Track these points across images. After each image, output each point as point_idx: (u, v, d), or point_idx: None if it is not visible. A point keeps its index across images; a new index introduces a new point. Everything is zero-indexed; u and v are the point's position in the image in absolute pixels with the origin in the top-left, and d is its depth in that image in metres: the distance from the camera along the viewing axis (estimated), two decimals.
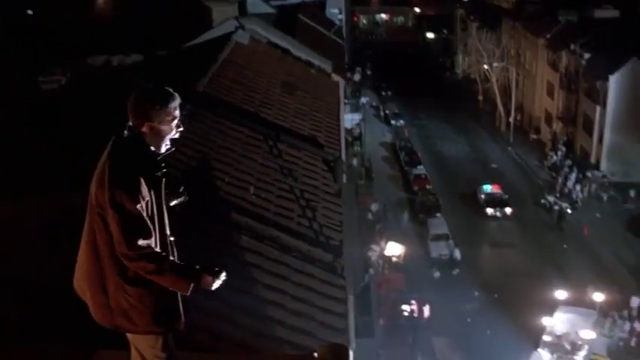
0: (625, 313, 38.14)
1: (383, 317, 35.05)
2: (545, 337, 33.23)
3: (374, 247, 40.92)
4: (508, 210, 51.31)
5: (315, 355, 6.52)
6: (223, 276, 5.07)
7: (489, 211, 51.34)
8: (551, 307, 36.00)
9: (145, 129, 5.12)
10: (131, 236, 4.88)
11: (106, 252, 5.06)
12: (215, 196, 12.72)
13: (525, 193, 55.91)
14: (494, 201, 52.20)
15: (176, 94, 5.21)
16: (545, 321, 34.46)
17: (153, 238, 4.98)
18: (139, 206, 4.92)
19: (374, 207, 48.01)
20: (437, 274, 43.03)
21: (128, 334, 5.46)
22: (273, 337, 9.62)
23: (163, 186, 5.21)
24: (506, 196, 52.63)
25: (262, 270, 11.35)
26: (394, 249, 40.24)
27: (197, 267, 5.06)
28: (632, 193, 52.33)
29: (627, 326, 37.12)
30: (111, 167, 4.99)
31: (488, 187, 53.68)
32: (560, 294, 37.83)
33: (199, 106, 15.24)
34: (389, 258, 40.14)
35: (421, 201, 52.24)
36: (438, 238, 46.05)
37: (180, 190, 5.69)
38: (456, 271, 43.74)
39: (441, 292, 39.86)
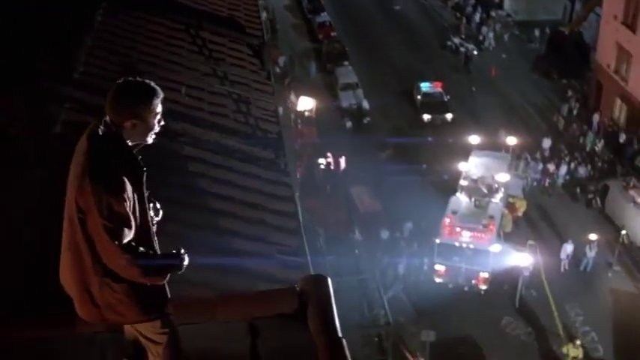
0: (537, 154, 39.73)
1: (299, 171, 35.31)
2: (462, 182, 34.21)
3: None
4: (449, 116, 45.01)
5: (297, 287, 6.65)
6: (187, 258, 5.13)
7: (426, 117, 44.94)
8: (465, 153, 36.85)
9: (127, 124, 4.93)
10: (120, 244, 4.79)
11: (87, 254, 4.93)
12: None
13: (430, 36, 55.97)
14: (432, 104, 45.45)
15: (158, 88, 5.03)
16: (461, 166, 35.33)
17: (135, 238, 4.92)
18: (127, 207, 4.80)
19: (281, 60, 47.29)
20: (349, 124, 43.46)
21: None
22: (232, 249, 9.80)
23: (145, 181, 5.09)
24: (448, 97, 46.13)
25: (208, 179, 11.25)
26: (305, 103, 40.04)
27: (174, 254, 5.11)
28: (536, 32, 53.25)
29: (539, 167, 38.76)
30: (92, 169, 4.78)
31: (426, 85, 46.73)
32: (474, 139, 38.79)
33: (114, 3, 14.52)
34: (301, 113, 40.00)
35: (327, 50, 51.70)
36: (347, 87, 46.12)
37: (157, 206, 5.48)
38: (366, 120, 44.16)
39: (353, 141, 40.32)
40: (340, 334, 6.19)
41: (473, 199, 33.18)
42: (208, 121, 12.98)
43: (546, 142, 40.88)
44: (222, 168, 11.70)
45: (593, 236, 32.93)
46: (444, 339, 27.79)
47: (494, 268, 31.38)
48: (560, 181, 38.85)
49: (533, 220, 36.35)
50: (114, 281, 4.93)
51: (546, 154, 40.49)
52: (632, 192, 34.95)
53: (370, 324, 24.78)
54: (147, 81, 5.01)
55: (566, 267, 33.17)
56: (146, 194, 5.11)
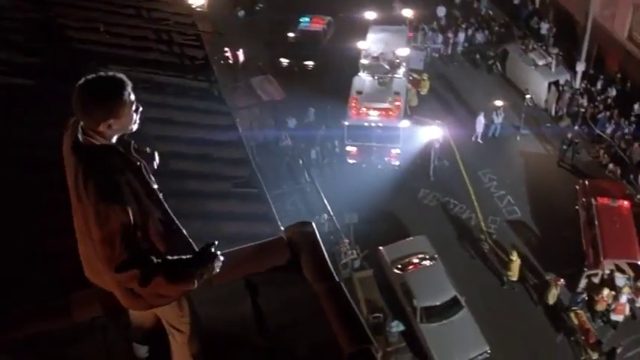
0: (434, 24, 40.20)
1: None
2: (363, 60, 34.44)
3: None
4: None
5: (284, 237, 6.87)
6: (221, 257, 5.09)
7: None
8: (363, 30, 36.92)
9: (102, 128, 4.77)
10: (115, 258, 4.70)
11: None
12: (67, 49, 11.67)
13: None
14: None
15: (125, 78, 4.80)
16: (361, 44, 35.44)
17: (139, 249, 4.82)
18: (130, 215, 4.71)
19: None
20: (241, 13, 42.73)
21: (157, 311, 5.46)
22: (187, 192, 9.68)
23: (145, 170, 5.02)
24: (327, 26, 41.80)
25: (145, 121, 10.91)
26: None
27: (193, 258, 5.01)
28: None
29: (440, 38, 39.31)
30: (86, 182, 4.69)
31: (306, 21, 41.74)
32: (369, 14, 38.73)
33: None
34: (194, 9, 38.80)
35: None
36: None
37: (149, 151, 5.41)
38: (259, 7, 43.52)
39: (248, 30, 39.74)
40: (337, 279, 6.53)
41: (376, 77, 33.53)
42: (133, 58, 12.52)
43: (441, 11, 41.39)
44: (157, 107, 11.31)
45: (498, 102, 34.18)
46: (367, 218, 28.58)
47: (405, 144, 32.15)
48: (460, 48, 39.64)
49: (438, 91, 37.13)
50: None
51: (442, 22, 41.03)
52: (531, 55, 36.18)
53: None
54: (109, 74, 4.77)
55: (479, 139, 34.41)
56: (154, 186, 5.06)
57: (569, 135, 33.49)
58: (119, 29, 13.11)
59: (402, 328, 25.11)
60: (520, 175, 32.86)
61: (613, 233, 27.83)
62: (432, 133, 32.11)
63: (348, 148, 32.27)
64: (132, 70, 11.82)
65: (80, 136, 4.75)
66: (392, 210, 30.24)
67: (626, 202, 29.43)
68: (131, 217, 4.71)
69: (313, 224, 7.05)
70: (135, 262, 4.72)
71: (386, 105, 32.04)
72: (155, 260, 4.83)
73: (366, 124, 31.82)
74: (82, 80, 4.69)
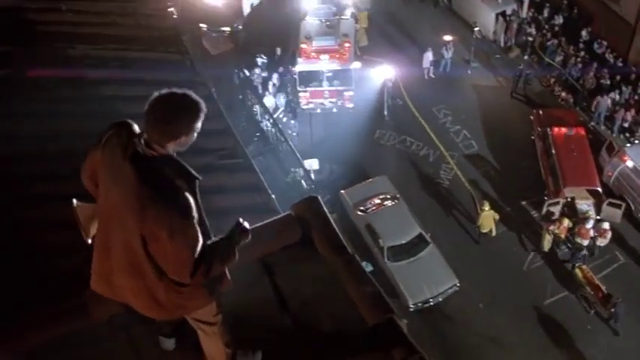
0: None
1: None
2: (310, 5, 34.46)
3: None
4: None
5: (292, 213, 7.05)
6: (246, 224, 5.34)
7: None
8: None
9: (171, 144, 4.95)
10: (192, 263, 4.91)
11: (150, 271, 5.09)
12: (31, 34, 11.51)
13: None
14: None
15: (199, 100, 4.97)
16: None
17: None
18: (196, 225, 4.89)
19: None
20: None
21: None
22: None
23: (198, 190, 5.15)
24: None
25: (120, 99, 10.96)
26: None
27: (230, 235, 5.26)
28: None
29: None
30: (153, 196, 4.80)
31: None
32: None
33: None
34: None
35: None
36: None
37: None
38: None
39: None
40: (351, 251, 6.80)
41: (323, 21, 33.48)
42: (100, 34, 12.38)
43: None
44: (130, 84, 11.28)
45: (447, 37, 34.47)
46: (326, 163, 28.96)
47: (357, 85, 32.34)
48: None
49: (386, 29, 37.21)
50: (180, 286, 5.15)
51: None
52: None
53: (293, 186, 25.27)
54: (186, 92, 4.93)
55: (431, 74, 34.75)
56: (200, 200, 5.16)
57: (520, 66, 34.06)
58: (82, 6, 12.91)
59: (370, 268, 25.60)
60: (474, 108, 33.44)
61: (571, 161, 28.70)
62: (383, 72, 32.29)
63: (301, 94, 32.32)
64: (101, 48, 11.74)
65: (142, 149, 4.86)
66: (350, 153, 30.52)
67: (581, 130, 30.32)
68: (196, 223, 4.91)
69: (319, 198, 7.27)
70: (199, 260, 4.94)
71: (335, 47, 32.08)
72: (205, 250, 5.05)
73: (317, 68, 31.84)
74: (164, 94, 4.83)
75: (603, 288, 25.82)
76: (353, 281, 6.66)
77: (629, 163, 29.05)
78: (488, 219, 27.47)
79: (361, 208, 27.33)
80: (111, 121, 5.09)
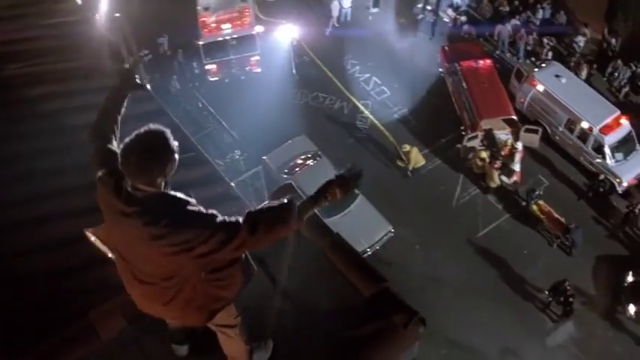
0: None
1: None
2: None
3: None
4: None
5: None
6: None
7: None
8: None
9: (159, 180, 5.20)
10: (239, 236, 5.23)
11: (189, 277, 5.39)
12: None
13: None
14: None
15: (162, 128, 5.17)
16: None
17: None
18: (214, 214, 5.26)
19: None
20: None
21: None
22: None
23: None
24: None
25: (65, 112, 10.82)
26: None
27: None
28: None
29: None
30: (164, 230, 5.05)
31: None
32: None
33: None
34: None
35: None
36: None
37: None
38: None
39: None
40: (335, 232, 7.21)
41: None
42: (28, 50, 12.21)
43: None
44: (65, 96, 11.17)
45: None
46: (246, 131, 29.12)
47: (262, 49, 32.32)
48: None
49: None
50: (219, 277, 5.51)
51: None
52: None
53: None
54: (150, 130, 5.11)
55: (336, 24, 34.88)
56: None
57: (420, 5, 34.52)
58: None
59: None
60: (380, 54, 33.86)
61: (483, 93, 29.48)
62: (287, 32, 32.34)
63: (208, 67, 32.16)
64: (32, 64, 11.54)
65: (143, 194, 5.13)
66: (266, 117, 30.45)
67: (488, 61, 31.09)
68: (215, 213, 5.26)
69: (292, 184, 7.70)
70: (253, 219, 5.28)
71: (235, 14, 31.94)
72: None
73: (220, 38, 31.70)
74: (131, 143, 5.00)
75: (562, 220, 26.95)
76: (342, 258, 7.10)
77: (540, 87, 30.04)
78: (415, 155, 28.28)
79: (285, 170, 27.48)
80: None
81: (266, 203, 5.43)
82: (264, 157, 28.12)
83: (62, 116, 11.00)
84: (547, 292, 25.34)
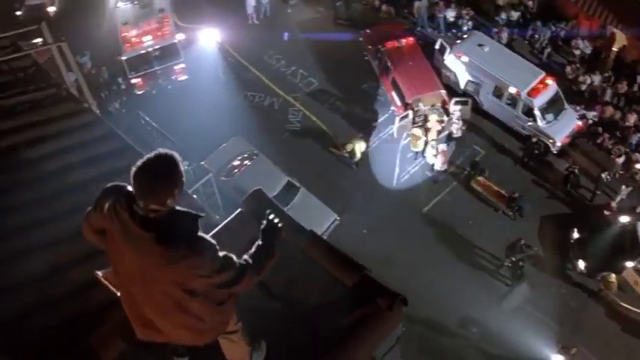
0: None
1: None
2: None
3: None
4: None
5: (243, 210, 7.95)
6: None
7: None
8: None
9: (169, 202, 5.46)
10: (238, 281, 5.77)
11: (192, 305, 5.74)
12: None
13: None
14: None
15: (170, 151, 5.48)
16: None
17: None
18: (219, 254, 5.61)
19: None
20: None
21: None
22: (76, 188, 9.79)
23: None
24: None
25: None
26: None
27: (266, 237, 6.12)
28: None
29: None
30: (176, 253, 5.38)
31: None
32: None
33: None
34: None
35: None
36: None
37: None
38: None
39: None
40: (308, 229, 7.66)
41: (135, 2, 32.97)
42: None
43: None
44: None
45: None
46: (180, 139, 28.89)
47: (186, 56, 32.26)
48: None
49: None
50: (221, 306, 5.93)
51: None
52: None
53: None
54: (158, 153, 5.42)
55: (255, 20, 34.94)
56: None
57: None
58: None
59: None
60: (304, 45, 34.11)
61: (409, 72, 29.95)
62: (208, 35, 32.33)
63: (134, 81, 31.99)
64: None
65: (152, 215, 5.38)
66: (201, 122, 30.37)
67: (411, 39, 31.50)
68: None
69: (262, 189, 8.09)
70: (245, 270, 5.77)
71: (155, 25, 31.82)
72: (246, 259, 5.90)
73: (142, 51, 31.54)
74: (141, 166, 5.30)
75: (503, 191, 27.53)
76: (321, 254, 7.40)
77: (464, 59, 30.49)
78: (359, 146, 28.62)
79: (224, 173, 27.57)
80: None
81: (260, 247, 6.00)
82: (203, 163, 28.14)
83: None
84: (505, 255, 25.94)
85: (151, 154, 5.38)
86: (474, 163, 28.72)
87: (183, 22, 34.30)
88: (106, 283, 6.07)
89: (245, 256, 5.86)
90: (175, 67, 32.28)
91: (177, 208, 5.53)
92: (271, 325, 6.73)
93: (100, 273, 6.18)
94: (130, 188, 5.47)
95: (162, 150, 5.44)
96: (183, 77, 32.61)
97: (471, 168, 28.63)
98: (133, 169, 5.32)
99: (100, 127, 11.64)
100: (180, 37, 32.00)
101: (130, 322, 6.03)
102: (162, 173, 5.36)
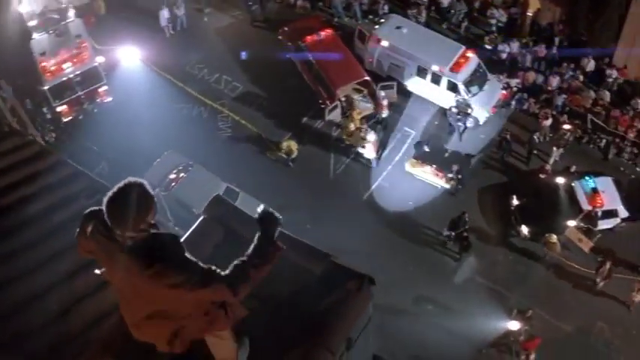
0: None
1: None
2: (31, 23, 33.64)
3: None
4: None
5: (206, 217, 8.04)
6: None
7: None
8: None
9: (143, 225, 5.64)
10: (226, 288, 5.85)
11: (176, 314, 5.99)
12: None
13: None
14: None
15: (144, 182, 5.65)
16: (20, 9, 34.10)
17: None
18: (201, 268, 5.75)
19: None
20: None
21: None
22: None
23: None
24: None
25: None
26: None
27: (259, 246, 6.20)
28: None
29: None
30: (159, 272, 5.57)
31: None
32: None
33: None
34: None
35: None
36: None
37: None
38: None
39: None
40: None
41: (51, 32, 32.71)
42: None
43: None
44: None
45: None
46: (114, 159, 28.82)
47: (108, 78, 32.09)
48: None
49: (114, 10, 36.38)
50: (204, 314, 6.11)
51: None
52: None
53: None
54: (126, 182, 5.60)
55: (171, 31, 34.96)
56: None
57: None
58: None
59: None
60: (224, 51, 34.28)
61: (332, 63, 30.31)
62: (128, 54, 32.19)
63: (59, 109, 31.70)
64: None
65: (136, 242, 5.59)
66: (130, 141, 29.99)
67: (329, 30, 31.86)
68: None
69: (220, 195, 8.36)
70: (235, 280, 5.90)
71: (74, 52, 31.61)
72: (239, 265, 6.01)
73: (64, 78, 31.31)
74: (110, 197, 5.50)
75: (438, 167, 28.28)
76: (286, 248, 7.41)
77: (384, 43, 30.93)
78: (293, 145, 28.98)
79: (163, 188, 27.53)
80: None
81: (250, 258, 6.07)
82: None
83: None
84: (448, 230, 26.53)
85: (120, 184, 5.58)
86: (418, 143, 29.26)
87: (101, 44, 34.11)
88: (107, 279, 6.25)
89: (237, 262, 6.01)
90: (99, 90, 32.09)
91: (154, 231, 5.74)
92: (250, 323, 6.76)
93: (98, 271, 6.33)
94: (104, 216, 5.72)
95: (130, 179, 5.62)
96: (108, 99, 32.43)
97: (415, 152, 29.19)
98: (105, 200, 5.54)
99: (49, 158, 11.63)
100: (100, 59, 31.85)
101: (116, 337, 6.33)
102: (132, 202, 5.54)
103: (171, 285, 5.60)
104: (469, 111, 29.77)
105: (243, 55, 33.31)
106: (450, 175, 27.84)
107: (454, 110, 29.89)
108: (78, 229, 6.00)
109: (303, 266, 7.51)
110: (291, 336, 6.93)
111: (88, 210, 5.97)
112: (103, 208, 5.55)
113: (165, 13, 34.64)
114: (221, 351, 6.63)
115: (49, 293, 8.24)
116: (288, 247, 7.59)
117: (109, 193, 5.55)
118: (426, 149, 28.86)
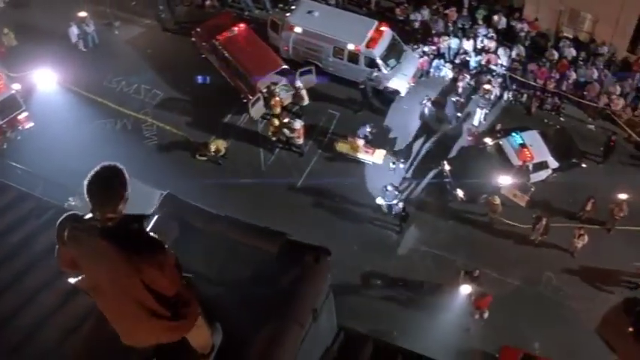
0: None
1: None
2: None
3: None
4: None
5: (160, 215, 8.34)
6: None
7: None
8: None
9: (120, 206, 5.92)
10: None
11: (157, 306, 6.21)
12: None
13: None
14: None
15: (118, 164, 5.98)
16: None
17: None
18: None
19: None
20: None
21: None
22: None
23: None
24: None
25: None
26: None
27: None
28: None
29: None
30: (137, 254, 5.87)
31: None
32: None
33: None
34: None
35: None
36: None
37: None
38: None
39: None
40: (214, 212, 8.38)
41: None
42: None
43: None
44: None
45: (82, 13, 34.20)
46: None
47: (29, 103, 31.74)
48: None
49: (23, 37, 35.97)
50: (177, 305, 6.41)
51: None
52: None
53: None
54: (103, 166, 5.90)
55: (82, 48, 34.72)
56: None
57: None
58: None
59: None
60: (138, 61, 34.21)
61: (248, 57, 30.58)
62: (45, 77, 31.81)
63: None
64: None
65: (110, 225, 5.85)
66: (56, 162, 29.21)
67: (242, 25, 31.99)
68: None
69: (170, 193, 8.68)
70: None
71: None
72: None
73: None
74: (90, 179, 5.76)
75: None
76: (240, 233, 8.09)
77: (298, 29, 31.14)
78: (220, 142, 29.19)
79: None
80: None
81: None
82: (70, 199, 27.69)
83: None
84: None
85: (97, 167, 5.88)
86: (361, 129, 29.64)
87: (15, 71, 33.66)
88: (81, 288, 6.44)
89: None
90: (19, 117, 31.68)
91: (128, 215, 6.01)
92: (220, 307, 7.20)
93: (72, 281, 6.47)
94: (77, 213, 6.11)
95: (104, 162, 5.93)
96: (30, 125, 32.00)
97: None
98: (85, 183, 5.78)
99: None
100: (16, 87, 31.43)
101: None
102: (110, 179, 5.86)
103: (159, 264, 5.91)
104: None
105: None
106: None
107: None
108: (56, 245, 6.20)
109: (261, 247, 7.88)
110: (260, 314, 7.30)
111: (60, 219, 6.17)
112: (85, 191, 5.80)
113: (74, 30, 34.20)
114: (196, 338, 6.92)
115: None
116: (244, 232, 8.15)
117: (88, 177, 5.84)
118: (368, 129, 29.35)
